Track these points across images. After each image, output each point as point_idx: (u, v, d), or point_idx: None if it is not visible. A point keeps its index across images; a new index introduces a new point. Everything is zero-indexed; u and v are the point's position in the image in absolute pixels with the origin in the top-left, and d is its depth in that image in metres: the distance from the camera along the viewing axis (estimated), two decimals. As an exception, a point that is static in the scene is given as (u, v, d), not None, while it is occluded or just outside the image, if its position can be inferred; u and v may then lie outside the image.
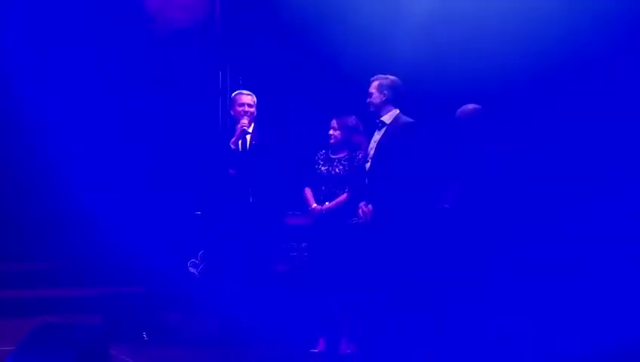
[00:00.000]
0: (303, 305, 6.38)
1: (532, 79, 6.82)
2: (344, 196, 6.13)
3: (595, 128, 6.48)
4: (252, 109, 6.56)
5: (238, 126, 6.46)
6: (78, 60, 8.35)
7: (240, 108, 6.53)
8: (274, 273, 6.64)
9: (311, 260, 6.23)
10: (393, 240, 5.66)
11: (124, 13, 8.46)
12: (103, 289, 7.55)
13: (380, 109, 5.95)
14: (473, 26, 7.13)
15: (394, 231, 5.67)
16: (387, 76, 5.97)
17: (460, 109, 5.97)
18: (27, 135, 8.40)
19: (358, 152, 6.15)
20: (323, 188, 6.24)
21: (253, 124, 6.58)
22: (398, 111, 5.97)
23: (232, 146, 6.45)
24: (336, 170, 6.20)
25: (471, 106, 5.97)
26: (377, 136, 5.96)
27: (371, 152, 5.95)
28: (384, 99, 5.93)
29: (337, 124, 6.22)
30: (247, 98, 6.56)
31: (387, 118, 5.95)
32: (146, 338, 6.32)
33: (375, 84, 5.96)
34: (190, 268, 6.91)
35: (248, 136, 6.50)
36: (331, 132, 6.24)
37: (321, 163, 6.30)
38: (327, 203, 6.16)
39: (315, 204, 6.21)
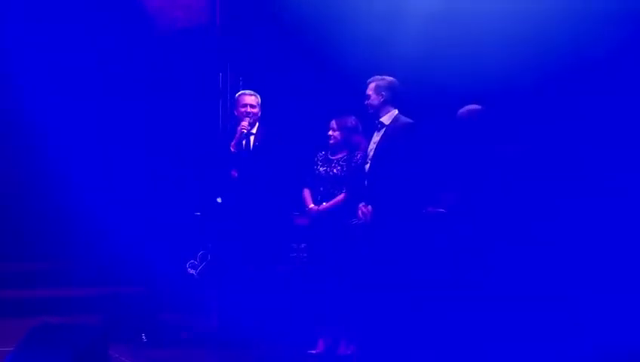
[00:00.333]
0: (301, 305, 6.37)
1: (533, 80, 6.79)
2: (341, 196, 6.12)
3: (596, 129, 6.45)
4: (255, 110, 6.54)
5: (238, 128, 6.44)
6: (78, 61, 8.34)
7: (242, 110, 6.51)
8: (273, 274, 6.63)
9: (310, 261, 6.22)
10: (392, 241, 5.65)
11: (124, 14, 8.46)
12: (102, 289, 7.57)
13: (378, 111, 5.93)
14: (473, 26, 7.10)
15: (393, 232, 5.66)
16: (384, 77, 5.95)
17: (461, 110, 5.91)
18: (26, 135, 8.39)
19: (356, 153, 6.15)
20: (321, 188, 6.24)
21: (257, 125, 6.57)
22: (396, 111, 5.95)
23: (232, 149, 6.42)
24: (334, 170, 6.20)
25: (471, 107, 5.91)
26: (376, 137, 5.94)
27: (371, 153, 5.93)
28: (382, 100, 5.91)
29: (337, 124, 6.22)
30: (250, 99, 6.55)
31: (386, 118, 5.92)
32: (145, 339, 6.32)
33: (372, 85, 5.95)
34: (189, 269, 6.90)
35: (252, 137, 6.49)
36: (330, 132, 6.23)
37: (320, 163, 6.30)
38: (324, 203, 6.16)
39: (312, 205, 6.21)
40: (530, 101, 6.87)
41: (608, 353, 5.44)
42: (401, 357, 5.62)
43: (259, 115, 6.57)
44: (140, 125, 8.41)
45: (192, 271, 6.86)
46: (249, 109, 6.50)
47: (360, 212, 5.86)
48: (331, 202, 6.14)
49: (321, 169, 6.26)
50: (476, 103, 5.97)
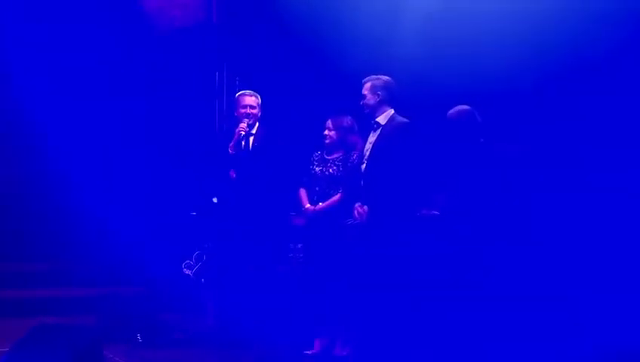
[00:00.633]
0: (297, 306, 6.34)
1: (531, 80, 6.76)
2: (337, 197, 6.11)
3: (594, 129, 6.43)
4: (255, 111, 6.51)
5: (237, 130, 6.40)
6: (74, 59, 8.30)
7: (243, 110, 6.48)
8: (270, 274, 6.61)
9: (306, 261, 6.20)
10: (388, 241, 5.62)
11: (121, 13, 8.43)
12: (98, 290, 7.53)
13: (374, 110, 5.90)
14: (472, 26, 7.07)
15: (389, 232, 5.63)
16: (379, 76, 5.92)
17: (450, 111, 5.81)
18: (23, 133, 8.36)
19: (353, 153, 6.13)
20: (317, 188, 6.23)
21: (257, 125, 6.54)
22: (392, 111, 5.92)
23: (231, 151, 6.40)
24: (330, 170, 6.18)
25: (460, 108, 5.79)
26: (372, 137, 5.92)
27: (367, 153, 5.90)
28: (378, 100, 5.89)
29: (332, 124, 6.20)
30: (251, 99, 6.51)
31: (382, 118, 5.90)
32: (141, 340, 6.31)
33: (368, 85, 5.92)
34: (185, 270, 6.87)
35: (251, 138, 6.47)
36: (326, 132, 6.21)
37: (316, 163, 6.28)
38: (320, 203, 6.14)
39: (308, 205, 6.19)
40: (528, 101, 6.86)
41: (608, 353, 5.42)
42: (397, 358, 5.59)
43: (259, 115, 6.54)
44: (135, 125, 8.38)
45: (187, 272, 6.83)
46: (249, 110, 6.47)
47: (356, 212, 5.84)
48: (327, 202, 6.13)
49: (317, 169, 6.24)
50: (475, 103, 5.93)
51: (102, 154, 8.35)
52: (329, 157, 6.23)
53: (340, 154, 6.20)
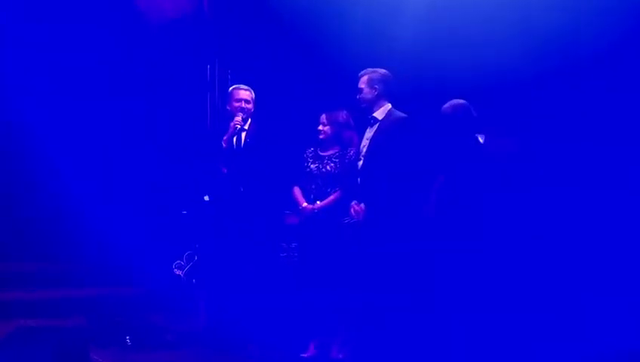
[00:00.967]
0: (292, 307, 6.20)
1: (533, 74, 6.68)
2: (336, 195, 5.95)
3: (595, 124, 6.37)
4: (249, 105, 6.39)
5: (232, 124, 6.26)
6: (64, 54, 8.20)
7: (237, 104, 6.35)
8: (263, 274, 6.47)
9: (302, 261, 6.05)
10: (386, 240, 5.47)
11: (111, 6, 8.31)
12: (85, 291, 7.40)
13: (372, 105, 5.77)
14: (473, 20, 6.99)
15: (387, 230, 5.48)
16: (376, 70, 5.79)
17: (445, 106, 5.58)
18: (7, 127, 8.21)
19: (349, 149, 5.99)
20: (313, 186, 6.06)
21: (249, 121, 6.40)
22: (390, 105, 5.80)
23: (224, 145, 6.25)
24: (327, 167, 6.02)
25: (455, 102, 5.55)
26: (369, 133, 5.79)
27: (364, 150, 5.78)
28: (376, 94, 5.75)
29: (327, 119, 6.05)
30: (245, 94, 6.39)
31: (379, 113, 5.77)
32: (130, 343, 6.16)
33: (365, 79, 5.78)
34: (175, 270, 6.73)
35: (243, 134, 6.32)
36: (320, 127, 6.07)
37: (310, 161, 6.12)
38: (318, 202, 5.98)
39: (305, 203, 6.02)
40: (529, 95, 6.78)
41: (608, 353, 5.36)
42: (394, 360, 5.47)
43: (252, 110, 6.41)
44: (126, 119, 8.27)
45: (178, 272, 6.70)
46: (243, 105, 6.35)
47: (352, 210, 5.69)
48: (326, 201, 5.96)
49: (312, 166, 6.08)
50: (476, 97, 5.78)
51: (91, 149, 8.21)
52: (324, 154, 6.08)
53: (336, 150, 6.05)
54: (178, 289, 6.80)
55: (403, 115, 5.74)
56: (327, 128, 6.03)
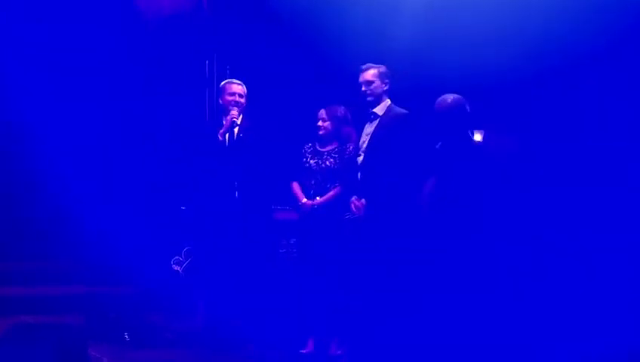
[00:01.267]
0: (291, 303, 6.18)
1: (530, 73, 6.68)
2: (335, 190, 5.91)
3: (594, 122, 6.37)
4: (242, 100, 6.35)
5: (228, 117, 6.24)
6: (61, 50, 8.13)
7: (230, 98, 6.31)
8: (262, 271, 6.44)
9: (301, 257, 6.01)
10: (388, 236, 5.45)
11: (109, 2, 8.24)
12: (84, 288, 7.36)
13: (378, 99, 5.75)
14: (470, 19, 7.00)
15: (389, 226, 5.46)
16: (380, 65, 5.78)
17: (439, 100, 5.45)
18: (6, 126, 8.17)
19: (348, 145, 5.95)
20: (312, 182, 6.02)
21: (241, 116, 6.36)
22: (389, 101, 5.81)
23: (220, 138, 6.23)
24: (327, 163, 5.99)
25: (449, 97, 5.42)
26: (369, 128, 5.78)
27: (363, 145, 5.77)
28: (385, 88, 5.75)
29: (327, 114, 6.01)
30: (238, 88, 6.35)
31: (379, 109, 5.77)
32: (128, 339, 6.14)
33: (374, 72, 5.76)
34: (174, 266, 6.71)
35: (236, 129, 6.29)
36: (320, 123, 6.02)
37: (309, 156, 6.08)
38: (317, 198, 5.95)
39: (305, 199, 5.99)
40: (527, 93, 6.77)
41: (608, 353, 5.34)
42: (392, 357, 5.47)
43: (244, 105, 6.38)
44: (124, 116, 8.22)
45: (176, 268, 6.68)
46: (237, 99, 6.32)
47: (353, 206, 5.67)
48: (326, 196, 5.92)
49: (311, 161, 6.04)
50: (474, 94, 5.74)
51: (89, 146, 8.16)
52: (323, 150, 6.05)
53: (335, 145, 6.02)
54: (177, 286, 6.77)
55: (404, 110, 5.73)
56: (327, 124, 6.00)
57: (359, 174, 5.74)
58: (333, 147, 6.02)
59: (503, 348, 5.28)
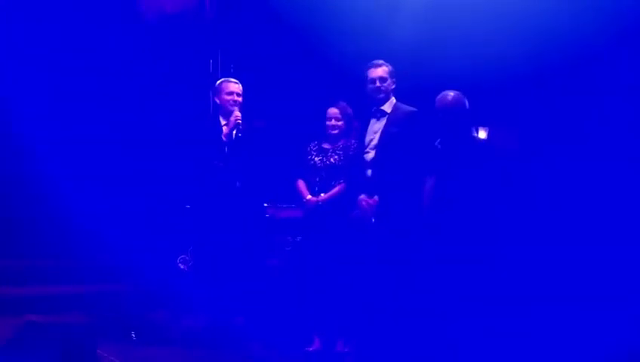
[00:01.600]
0: (297, 301, 6.18)
1: (530, 72, 6.70)
2: (340, 187, 5.92)
3: (594, 121, 6.38)
4: (240, 99, 6.34)
5: (232, 118, 6.23)
6: (65, 48, 8.12)
7: (229, 97, 6.31)
8: (267, 268, 6.46)
9: (307, 254, 6.00)
10: (405, 234, 5.45)
11: (113, 1, 8.23)
12: (90, 287, 7.36)
13: (388, 96, 5.76)
14: (470, 18, 7.02)
15: (406, 224, 5.45)
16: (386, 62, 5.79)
17: (438, 97, 5.44)
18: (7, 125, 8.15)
19: (353, 141, 5.95)
20: (317, 179, 6.03)
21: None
22: (395, 99, 5.82)
23: (225, 139, 6.23)
24: (331, 160, 6.00)
25: (448, 93, 5.41)
26: (377, 125, 5.78)
27: (372, 142, 5.76)
28: (393, 87, 5.77)
29: (340, 113, 6.01)
30: (236, 87, 6.35)
31: (387, 106, 5.79)
32: (135, 338, 6.13)
33: (386, 70, 5.77)
34: (180, 265, 6.72)
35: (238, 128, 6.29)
36: (334, 122, 6.02)
37: (314, 154, 6.09)
38: (322, 194, 5.95)
39: (309, 196, 6.00)
40: (528, 92, 6.79)
41: (608, 353, 5.35)
42: (399, 355, 5.47)
43: (241, 103, 6.37)
44: (127, 115, 8.20)
45: (182, 267, 6.68)
46: (235, 97, 6.32)
47: (364, 203, 5.66)
48: (331, 193, 5.94)
49: (316, 159, 6.06)
50: (473, 94, 5.72)
51: (91, 145, 8.14)
52: (328, 147, 6.05)
53: (340, 143, 6.02)
54: (183, 284, 6.77)
55: (412, 108, 5.74)
56: (340, 123, 6.01)
57: (369, 171, 5.73)
58: (338, 144, 6.03)
59: (505, 347, 5.31)
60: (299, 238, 6.27)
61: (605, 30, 6.28)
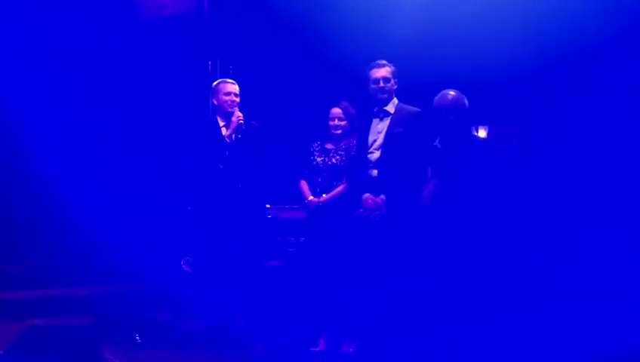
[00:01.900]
0: (302, 302, 6.17)
1: (530, 71, 6.71)
2: (342, 187, 5.93)
3: (591, 124, 6.40)
4: (237, 99, 6.34)
5: (234, 118, 6.22)
6: (63, 50, 8.08)
7: (227, 98, 6.31)
8: (272, 269, 6.45)
9: (311, 255, 6.00)
10: (412, 233, 5.39)
11: (111, 1, 8.20)
12: (94, 289, 7.33)
13: (391, 97, 5.77)
14: (468, 18, 7.03)
15: (413, 223, 5.41)
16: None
17: (437, 97, 5.41)
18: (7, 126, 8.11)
19: (354, 141, 5.95)
20: (319, 179, 6.05)
21: None
22: (397, 100, 5.82)
23: (228, 140, 6.22)
24: (333, 160, 6.02)
25: (448, 93, 5.38)
26: (380, 125, 5.77)
27: (377, 143, 5.74)
28: (396, 87, 5.77)
29: (344, 113, 6.01)
30: (234, 87, 6.36)
31: (390, 107, 5.78)
32: (139, 340, 6.08)
33: (389, 70, 5.77)
34: (184, 266, 6.69)
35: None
36: (337, 122, 6.02)
37: (317, 154, 6.10)
38: (324, 195, 5.95)
39: (311, 197, 6.00)
40: (528, 89, 6.80)
41: (608, 353, 5.35)
42: (403, 355, 5.44)
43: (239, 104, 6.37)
44: (126, 116, 8.18)
45: (187, 268, 6.66)
46: (233, 98, 6.32)
47: (371, 202, 5.65)
48: (332, 193, 5.94)
49: (318, 159, 6.07)
50: (472, 93, 5.72)
51: (91, 147, 8.11)
52: (330, 147, 6.05)
53: (343, 143, 6.03)
54: (186, 286, 6.75)
55: (416, 108, 5.74)
56: (344, 123, 6.02)
57: (374, 171, 5.71)
58: (340, 145, 6.03)
59: (506, 346, 5.30)
60: (302, 239, 6.26)
61: (605, 30, 6.31)
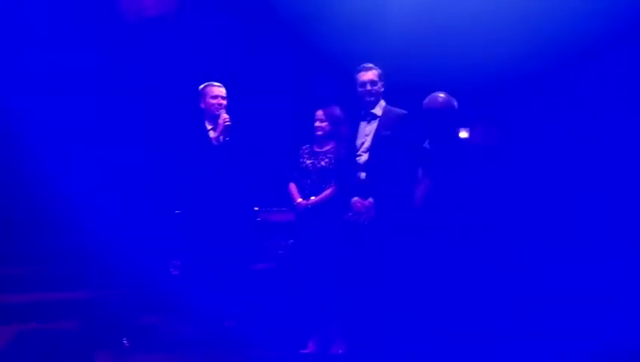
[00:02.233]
0: (291, 304, 6.19)
1: (523, 72, 6.74)
2: (330, 190, 5.95)
3: (585, 125, 6.44)
4: (225, 102, 6.34)
5: (221, 121, 6.23)
6: (49, 52, 8.01)
7: (214, 101, 6.31)
8: (261, 272, 6.46)
9: (300, 257, 6.02)
10: (401, 235, 5.43)
11: (96, 2, 8.15)
12: (80, 293, 7.24)
13: (378, 99, 5.78)
14: (462, 19, 7.04)
15: (402, 225, 5.45)
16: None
17: (426, 100, 5.44)
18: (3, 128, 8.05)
19: (342, 144, 5.96)
20: (308, 182, 6.07)
21: None
22: (384, 102, 5.83)
23: (215, 143, 6.23)
24: (322, 163, 6.04)
25: (437, 95, 5.41)
26: (368, 128, 5.78)
27: (364, 146, 5.75)
28: (383, 90, 5.78)
29: (325, 115, 6.04)
30: (221, 90, 6.36)
31: (377, 110, 5.79)
32: (127, 344, 6.09)
33: (376, 73, 5.78)
34: (172, 270, 6.69)
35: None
36: (318, 123, 6.06)
37: (306, 157, 6.13)
38: (312, 197, 5.98)
39: (300, 199, 6.02)
40: (521, 90, 6.82)
41: (608, 353, 5.39)
42: (393, 357, 5.48)
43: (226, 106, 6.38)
44: (114, 119, 8.10)
45: (175, 272, 6.65)
46: (220, 101, 6.32)
47: (360, 205, 5.67)
48: (321, 195, 5.96)
49: (307, 162, 6.09)
50: (467, 95, 5.78)
51: (83, 150, 8.04)
52: (320, 150, 6.08)
53: (331, 146, 6.05)
54: (175, 290, 6.75)
55: (403, 111, 5.76)
56: (324, 125, 6.04)
57: (363, 174, 5.72)
58: (329, 147, 6.06)
59: (502, 348, 5.34)
60: (291, 241, 6.28)
61: (603, 30, 6.34)
